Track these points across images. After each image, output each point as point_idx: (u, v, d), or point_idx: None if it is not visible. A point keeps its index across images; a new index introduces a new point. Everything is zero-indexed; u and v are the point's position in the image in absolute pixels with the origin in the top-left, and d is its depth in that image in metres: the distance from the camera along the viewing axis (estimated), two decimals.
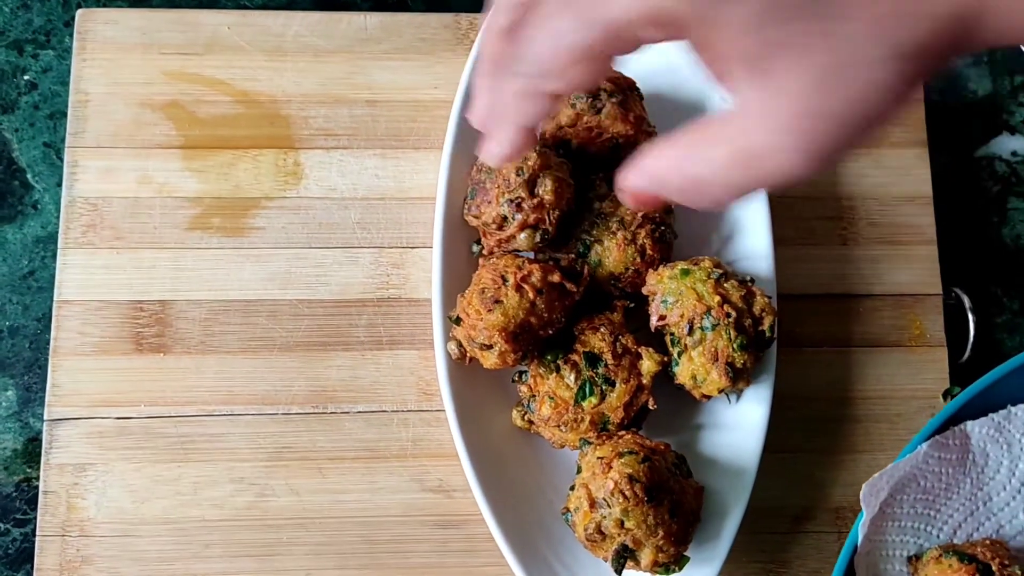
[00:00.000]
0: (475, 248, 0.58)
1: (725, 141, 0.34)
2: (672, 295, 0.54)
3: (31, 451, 0.60)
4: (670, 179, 0.36)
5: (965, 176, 0.67)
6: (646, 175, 0.37)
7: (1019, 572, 0.51)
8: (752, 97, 0.33)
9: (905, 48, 0.31)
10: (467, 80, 0.59)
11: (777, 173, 0.33)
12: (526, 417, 0.56)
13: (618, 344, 0.54)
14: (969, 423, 0.54)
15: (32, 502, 0.59)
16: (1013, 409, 0.55)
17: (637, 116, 0.56)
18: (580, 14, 0.34)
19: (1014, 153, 0.68)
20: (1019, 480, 0.55)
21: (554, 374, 0.55)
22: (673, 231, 0.57)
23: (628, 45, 0.34)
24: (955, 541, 0.54)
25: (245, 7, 0.66)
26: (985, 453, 0.55)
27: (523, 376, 0.56)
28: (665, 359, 0.54)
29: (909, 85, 0.32)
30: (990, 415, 0.55)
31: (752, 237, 0.59)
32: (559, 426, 0.54)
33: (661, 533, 0.50)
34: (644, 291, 0.56)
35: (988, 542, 0.53)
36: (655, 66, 0.61)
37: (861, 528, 0.53)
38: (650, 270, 0.55)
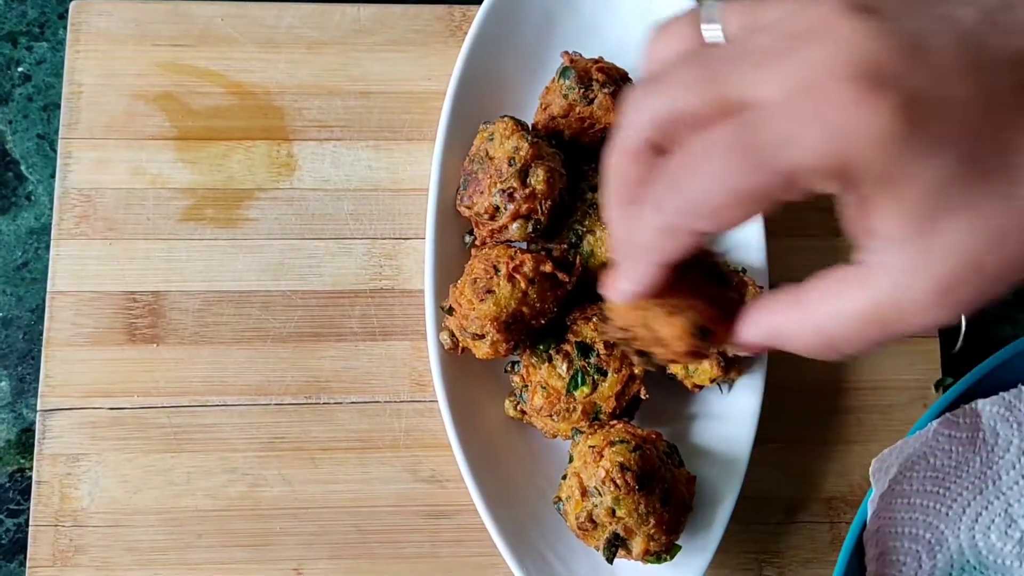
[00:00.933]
0: (468, 239, 0.58)
1: (861, 297, 0.33)
2: None
3: (24, 441, 0.60)
4: (794, 336, 0.35)
5: None
6: (763, 331, 0.36)
7: None
8: (905, 254, 0.31)
9: None
10: (460, 72, 0.59)
11: (915, 328, 0.32)
12: (518, 407, 0.56)
13: None
14: (980, 401, 0.54)
15: (25, 492, 0.59)
16: None
17: None
18: (751, 155, 0.31)
19: None
20: None
21: (546, 364, 0.55)
22: None
23: (794, 194, 0.32)
24: (964, 520, 0.54)
25: None
26: (995, 432, 0.54)
27: (515, 366, 0.56)
28: None
29: None
30: (1001, 394, 0.54)
31: (744, 228, 0.59)
32: (551, 416, 0.54)
33: (652, 522, 0.50)
34: None
35: None
36: None
37: (871, 504, 0.53)
38: None
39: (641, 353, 0.50)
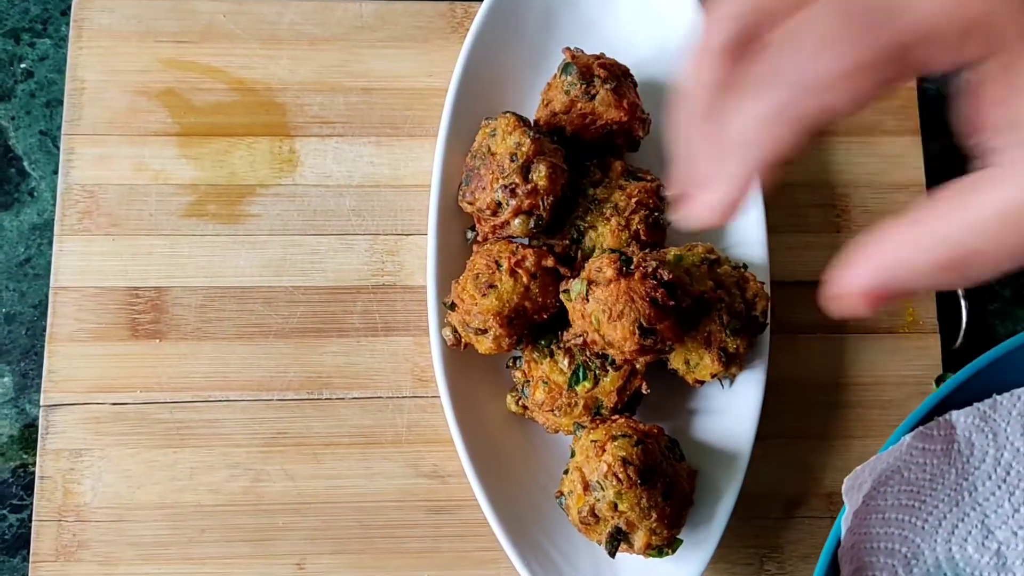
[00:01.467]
0: (469, 234, 0.58)
1: (998, 199, 0.28)
2: None
3: (27, 437, 0.60)
4: (915, 261, 0.29)
5: (958, 165, 0.67)
6: (874, 267, 0.30)
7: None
8: None
9: None
10: (462, 68, 0.59)
11: None
12: (520, 402, 0.56)
13: None
14: (954, 413, 0.53)
15: (28, 488, 0.59)
16: (998, 398, 0.54)
17: (631, 103, 0.56)
18: (867, 19, 0.27)
19: None
20: (1004, 469, 0.55)
21: (548, 359, 0.55)
22: (667, 217, 0.57)
23: (916, 66, 0.28)
24: (940, 532, 0.54)
25: None
26: (971, 443, 0.54)
27: (517, 361, 0.57)
28: None
29: None
30: (975, 404, 0.54)
31: (746, 224, 0.59)
32: (553, 411, 0.54)
33: (654, 516, 0.50)
34: None
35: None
36: (649, 53, 0.61)
37: (844, 522, 0.52)
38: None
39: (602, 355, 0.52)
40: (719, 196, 0.31)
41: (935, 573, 0.54)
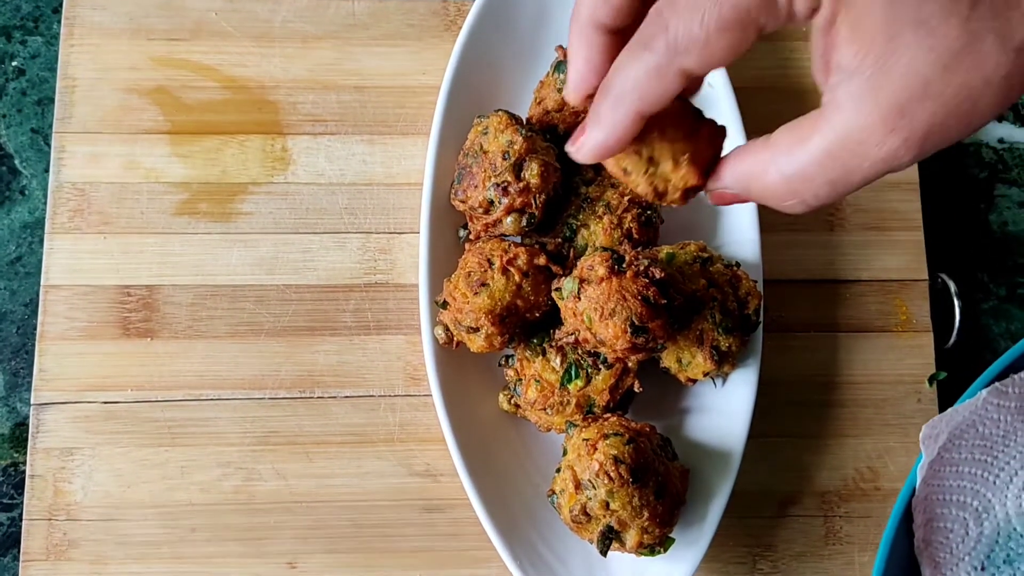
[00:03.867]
0: (462, 233, 0.58)
1: (822, 133, 0.33)
2: None
3: (18, 436, 0.60)
4: (760, 178, 0.36)
5: (952, 162, 0.67)
6: (733, 176, 0.37)
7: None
8: (861, 83, 0.32)
9: None
10: (454, 66, 0.59)
11: (878, 162, 0.33)
12: (512, 401, 0.56)
13: None
14: None
15: (19, 486, 0.59)
16: None
17: None
18: None
19: (1001, 140, 0.68)
20: None
21: (540, 357, 0.55)
22: (659, 215, 0.57)
23: (779, 17, 0.33)
24: (1011, 488, 0.54)
25: None
26: None
27: (509, 360, 0.56)
28: None
29: (1019, 84, 0.32)
30: None
31: (739, 222, 0.59)
32: (545, 409, 0.54)
33: (646, 515, 0.50)
34: None
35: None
36: None
37: (920, 471, 0.53)
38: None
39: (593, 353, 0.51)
40: (599, 137, 0.37)
41: (1005, 528, 0.54)
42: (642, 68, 0.35)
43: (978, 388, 0.54)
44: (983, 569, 0.54)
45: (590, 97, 0.38)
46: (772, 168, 0.35)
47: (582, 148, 0.38)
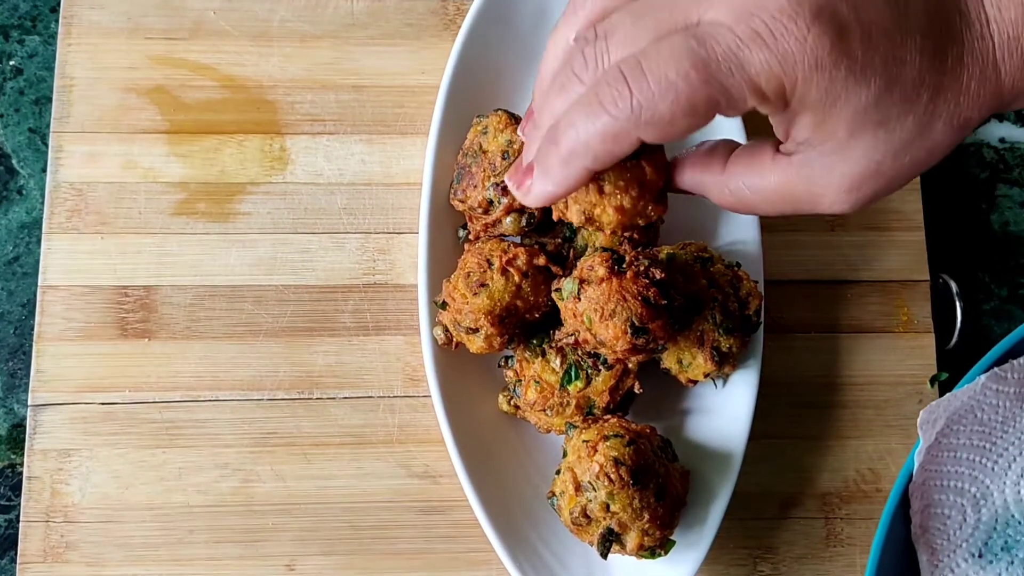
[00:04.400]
0: (461, 233, 0.58)
1: (779, 176, 0.39)
2: None
3: (15, 437, 0.59)
4: (714, 192, 0.41)
5: (953, 162, 0.67)
6: (690, 183, 0.43)
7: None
8: (824, 155, 0.37)
9: (973, 122, 0.37)
10: (454, 65, 0.59)
11: (824, 209, 0.39)
12: (512, 402, 0.56)
13: None
14: None
15: (16, 488, 0.58)
16: None
17: None
18: (703, 69, 0.34)
19: (1002, 140, 0.67)
20: None
21: (540, 358, 0.55)
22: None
23: (732, 110, 0.36)
24: (1009, 475, 0.54)
25: None
26: None
27: (509, 361, 0.56)
28: None
29: (957, 144, 0.38)
30: None
31: (740, 222, 0.59)
32: (545, 410, 0.54)
33: (647, 517, 0.50)
34: None
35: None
36: None
37: (917, 456, 0.53)
38: None
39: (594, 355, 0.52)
40: (548, 189, 0.40)
41: (1003, 515, 0.54)
42: (597, 129, 0.36)
43: (977, 373, 0.54)
44: (981, 556, 0.54)
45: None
46: (726, 188, 0.41)
47: (528, 194, 0.41)
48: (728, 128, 0.59)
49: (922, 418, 0.53)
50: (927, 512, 0.54)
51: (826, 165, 0.37)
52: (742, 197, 0.40)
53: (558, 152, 0.38)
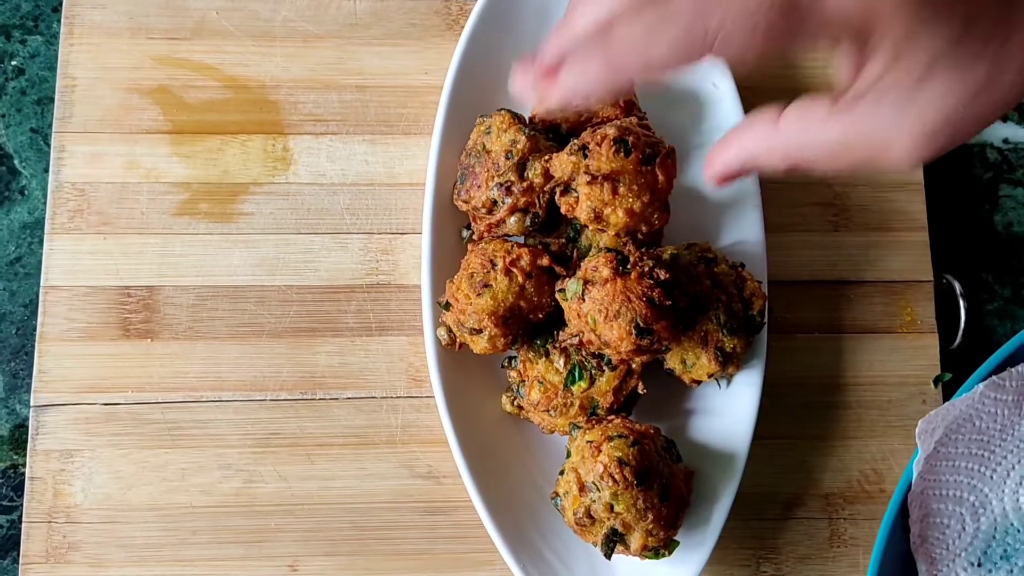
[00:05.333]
0: (465, 233, 0.58)
1: (842, 126, 0.36)
2: None
3: (18, 437, 0.59)
4: (766, 156, 0.38)
5: (956, 163, 0.67)
6: (740, 156, 0.38)
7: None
8: (899, 97, 0.35)
9: None
10: (457, 65, 0.59)
11: (883, 164, 0.36)
12: (516, 402, 0.56)
13: None
14: None
15: (19, 489, 0.58)
16: None
17: (627, 100, 0.56)
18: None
19: (1006, 140, 0.67)
20: None
21: (543, 359, 0.54)
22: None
23: (816, 37, 0.34)
24: (1008, 483, 0.54)
25: None
26: None
27: (512, 361, 0.56)
28: None
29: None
30: None
31: (744, 223, 0.59)
32: (548, 411, 0.54)
33: (651, 517, 0.50)
34: None
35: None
36: None
37: (916, 466, 0.53)
38: None
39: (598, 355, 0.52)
40: (578, 81, 0.36)
41: (1002, 523, 0.54)
42: (667, 34, 0.34)
43: (975, 382, 0.54)
44: (980, 565, 0.54)
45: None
46: (781, 148, 0.37)
47: (553, 91, 0.37)
48: (725, 118, 0.59)
49: (920, 428, 0.53)
50: (926, 522, 0.54)
51: (896, 110, 0.35)
52: (800, 154, 0.37)
53: (608, 50, 0.35)
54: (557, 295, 0.52)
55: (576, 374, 0.54)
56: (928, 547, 0.54)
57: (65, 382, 0.58)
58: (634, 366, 0.54)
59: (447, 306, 0.54)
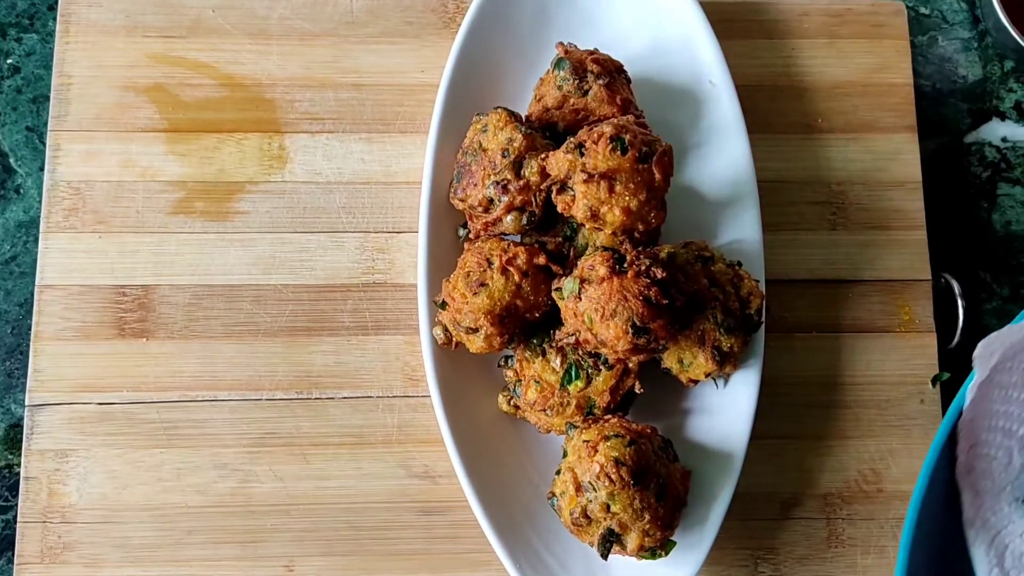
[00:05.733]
0: (461, 232, 0.58)
1: None
2: None
3: (12, 437, 0.59)
4: None
5: (955, 162, 0.67)
6: None
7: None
8: None
9: None
10: (453, 64, 0.58)
11: None
12: (512, 402, 0.56)
13: None
14: None
15: (13, 488, 0.58)
16: None
17: (624, 99, 0.56)
18: None
19: (1004, 139, 0.67)
20: None
21: (540, 358, 0.54)
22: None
23: None
24: None
25: None
26: None
27: (509, 361, 0.56)
28: None
29: None
30: None
31: (741, 221, 0.59)
32: (545, 410, 0.54)
33: (647, 517, 0.50)
34: None
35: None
36: (643, 49, 0.61)
37: (969, 392, 0.50)
38: None
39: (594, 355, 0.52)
40: None
41: None
42: None
43: None
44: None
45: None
46: None
47: None
48: (722, 116, 0.59)
49: (978, 351, 0.49)
50: (973, 451, 0.51)
51: None
52: None
53: None
54: (554, 294, 0.52)
55: (573, 373, 0.53)
56: (973, 478, 0.51)
57: (60, 381, 0.58)
58: (631, 365, 0.53)
59: (443, 305, 0.54)
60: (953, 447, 0.51)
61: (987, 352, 0.50)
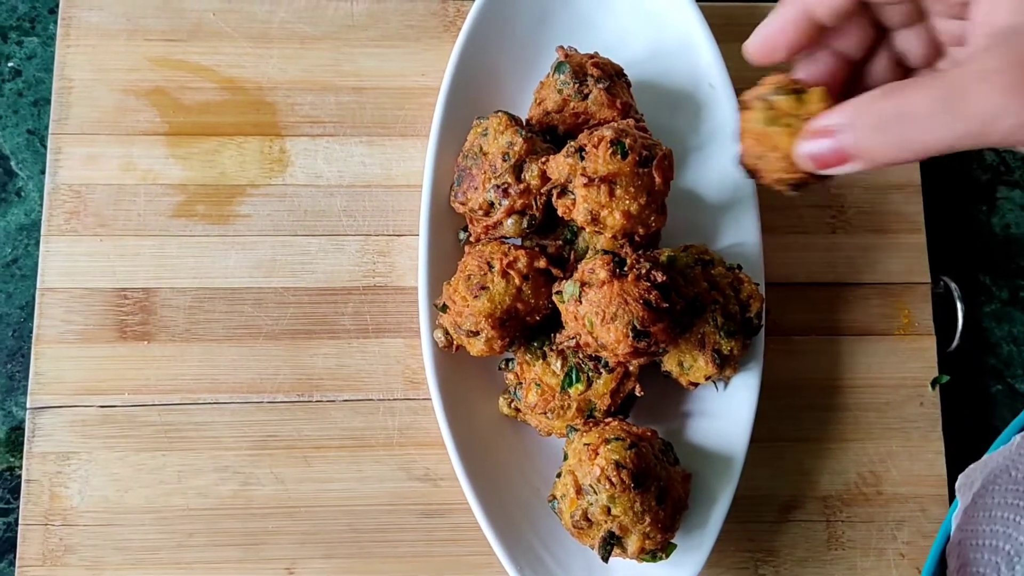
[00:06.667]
0: (462, 235, 0.58)
1: (934, 86, 0.34)
2: None
3: (14, 440, 0.59)
4: (862, 125, 0.36)
5: (954, 165, 0.67)
6: (835, 130, 0.37)
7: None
8: (986, 57, 0.34)
9: None
10: (454, 67, 0.59)
11: (986, 118, 0.33)
12: (513, 405, 0.56)
13: None
14: None
15: (15, 491, 0.58)
16: None
17: (624, 103, 0.56)
18: None
19: None
20: None
21: (540, 361, 0.54)
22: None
23: None
24: None
25: None
26: None
27: (509, 364, 0.56)
28: None
29: None
30: None
31: (741, 225, 0.59)
32: (545, 413, 0.54)
33: (648, 520, 0.50)
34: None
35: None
36: (643, 53, 0.61)
37: (955, 518, 0.54)
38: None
39: (594, 358, 0.52)
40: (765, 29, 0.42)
41: None
42: None
43: (1012, 433, 0.55)
44: None
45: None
46: (882, 113, 0.35)
47: (751, 42, 0.44)
48: (722, 120, 0.59)
49: (960, 481, 0.53)
50: (964, 571, 0.54)
51: (988, 65, 0.33)
52: (898, 138, 0.35)
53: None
54: (554, 297, 0.52)
55: (573, 376, 0.54)
56: None
57: (61, 384, 0.58)
58: (631, 368, 0.53)
59: (444, 308, 0.54)
60: (943, 570, 0.55)
61: (968, 481, 0.54)
